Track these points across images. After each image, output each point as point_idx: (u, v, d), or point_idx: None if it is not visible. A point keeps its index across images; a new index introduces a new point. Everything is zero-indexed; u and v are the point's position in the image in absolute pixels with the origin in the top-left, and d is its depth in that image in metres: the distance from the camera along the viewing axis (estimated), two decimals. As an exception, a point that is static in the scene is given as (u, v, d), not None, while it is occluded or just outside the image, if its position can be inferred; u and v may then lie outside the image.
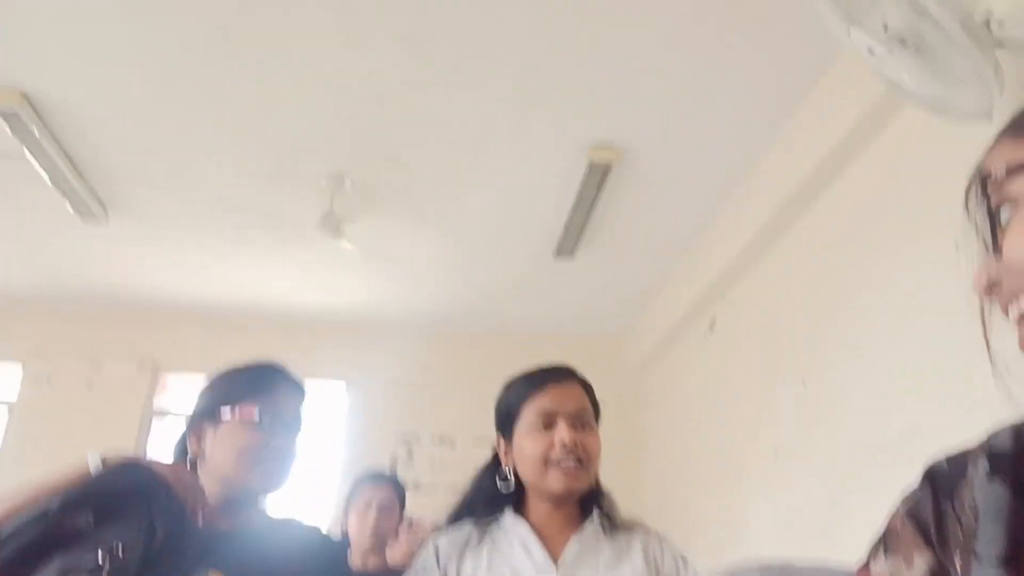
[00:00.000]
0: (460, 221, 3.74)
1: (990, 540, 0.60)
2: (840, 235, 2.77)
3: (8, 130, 2.96)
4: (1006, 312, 0.65)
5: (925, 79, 1.75)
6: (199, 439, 1.40)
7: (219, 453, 1.37)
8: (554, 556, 1.41)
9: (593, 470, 1.49)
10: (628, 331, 4.90)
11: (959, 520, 0.65)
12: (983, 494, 0.63)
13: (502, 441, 1.54)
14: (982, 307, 0.69)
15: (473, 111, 2.93)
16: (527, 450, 1.45)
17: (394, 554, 2.63)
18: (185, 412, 1.48)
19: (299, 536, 1.40)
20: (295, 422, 1.43)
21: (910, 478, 0.74)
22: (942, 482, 0.69)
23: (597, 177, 3.20)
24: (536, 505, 1.48)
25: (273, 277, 4.34)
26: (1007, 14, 1.73)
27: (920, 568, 0.66)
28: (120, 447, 1.43)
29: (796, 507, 2.90)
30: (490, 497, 1.50)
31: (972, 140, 0.82)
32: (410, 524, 2.62)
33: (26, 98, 2.85)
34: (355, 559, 2.57)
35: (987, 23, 1.70)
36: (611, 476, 1.63)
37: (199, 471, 1.38)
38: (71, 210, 3.56)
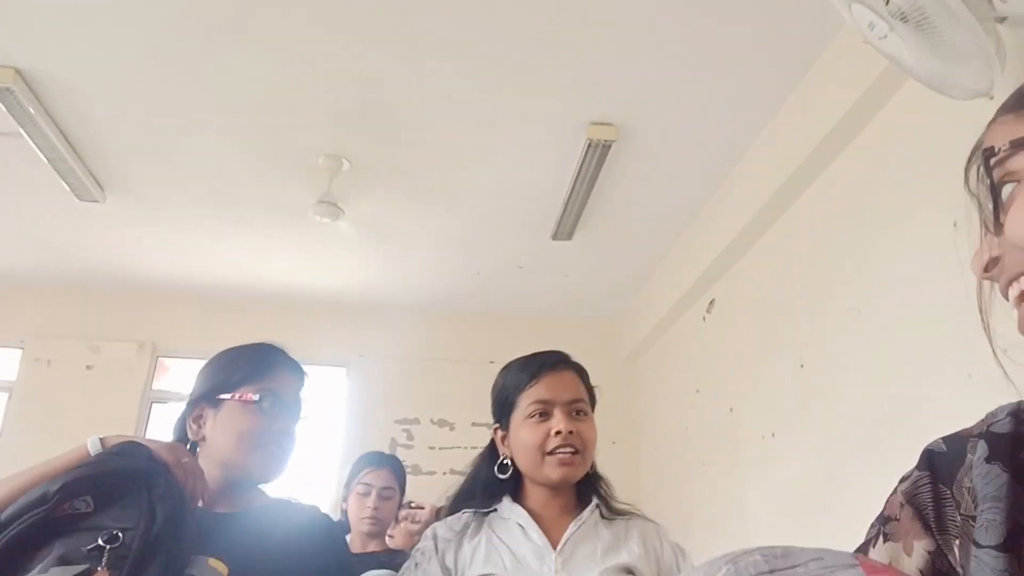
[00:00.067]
0: (458, 202, 3.72)
1: (989, 525, 0.60)
2: (838, 214, 2.76)
3: (2, 108, 2.94)
4: (1006, 292, 0.65)
5: (926, 55, 1.73)
6: (199, 422, 1.39)
7: (219, 436, 1.36)
8: (553, 540, 1.42)
9: (589, 458, 1.50)
10: (625, 312, 4.90)
11: (958, 504, 0.65)
12: (982, 478, 0.63)
13: (499, 430, 1.55)
14: (980, 288, 0.68)
15: (471, 89, 2.91)
16: (524, 440, 1.47)
17: (394, 537, 2.65)
18: (184, 395, 1.48)
19: (298, 517, 1.40)
20: (295, 405, 1.43)
21: (907, 457, 0.73)
22: (940, 465, 0.69)
23: (596, 155, 3.19)
24: (533, 492, 1.49)
25: (272, 258, 4.34)
26: (1009, -11, 1.71)
27: (919, 555, 0.66)
28: (119, 429, 1.42)
29: (793, 486, 2.91)
30: (489, 486, 1.51)
31: (970, 117, 0.81)
32: (410, 507, 2.63)
33: (20, 75, 2.83)
34: (355, 543, 2.58)
35: (989, -2, 1.69)
36: (608, 457, 1.64)
37: (199, 454, 1.38)
38: (68, 190, 3.54)
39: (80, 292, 4.71)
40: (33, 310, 4.67)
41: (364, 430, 4.58)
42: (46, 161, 3.28)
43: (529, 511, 1.47)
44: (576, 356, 1.61)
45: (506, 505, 1.48)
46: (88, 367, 4.58)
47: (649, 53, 2.70)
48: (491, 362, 1.64)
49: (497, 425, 1.55)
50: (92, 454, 1.26)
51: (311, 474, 4.50)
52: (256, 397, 1.36)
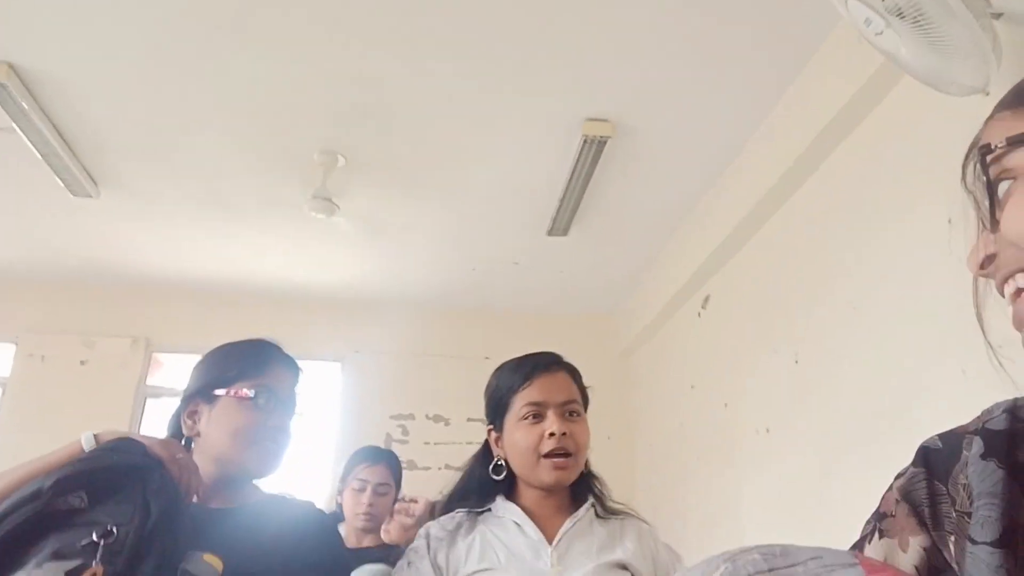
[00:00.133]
0: (454, 197, 3.72)
1: (984, 522, 0.60)
2: (834, 209, 2.77)
3: (-4, 104, 2.92)
4: (1001, 289, 0.65)
5: (922, 51, 1.73)
6: (194, 418, 1.39)
7: (214, 432, 1.36)
8: (548, 537, 1.43)
9: (582, 459, 1.51)
10: (621, 308, 4.91)
11: (953, 501, 0.65)
12: (977, 474, 0.63)
13: (493, 431, 1.56)
14: (976, 285, 0.68)
15: (468, 86, 2.90)
16: (518, 442, 1.47)
17: (389, 532, 2.65)
18: (178, 390, 1.47)
19: (292, 513, 1.39)
20: (290, 401, 1.43)
21: (903, 452, 0.73)
22: (936, 462, 0.69)
23: (591, 151, 3.19)
24: (527, 493, 1.50)
25: (266, 253, 4.32)
26: (1005, -14, 1.72)
27: (914, 551, 0.66)
28: (113, 425, 1.42)
29: (789, 481, 2.92)
30: (483, 486, 1.52)
31: (967, 113, 0.81)
32: (406, 504, 2.63)
33: (13, 70, 2.81)
34: (349, 538, 2.59)
35: (985, -5, 1.69)
36: (603, 453, 1.65)
37: (194, 450, 1.38)
38: (61, 185, 3.53)
39: (74, 288, 4.70)
40: (27, 305, 4.66)
41: (359, 425, 4.58)
42: (40, 157, 3.27)
43: (523, 509, 1.47)
44: (571, 352, 1.61)
45: (500, 504, 1.49)
46: (82, 363, 4.57)
47: (645, 50, 2.69)
48: (486, 358, 1.65)
49: (491, 427, 1.56)
50: (86, 450, 1.26)
51: (306, 470, 4.50)
52: (251, 393, 1.36)
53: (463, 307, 4.90)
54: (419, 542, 1.45)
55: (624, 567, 1.39)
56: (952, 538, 0.63)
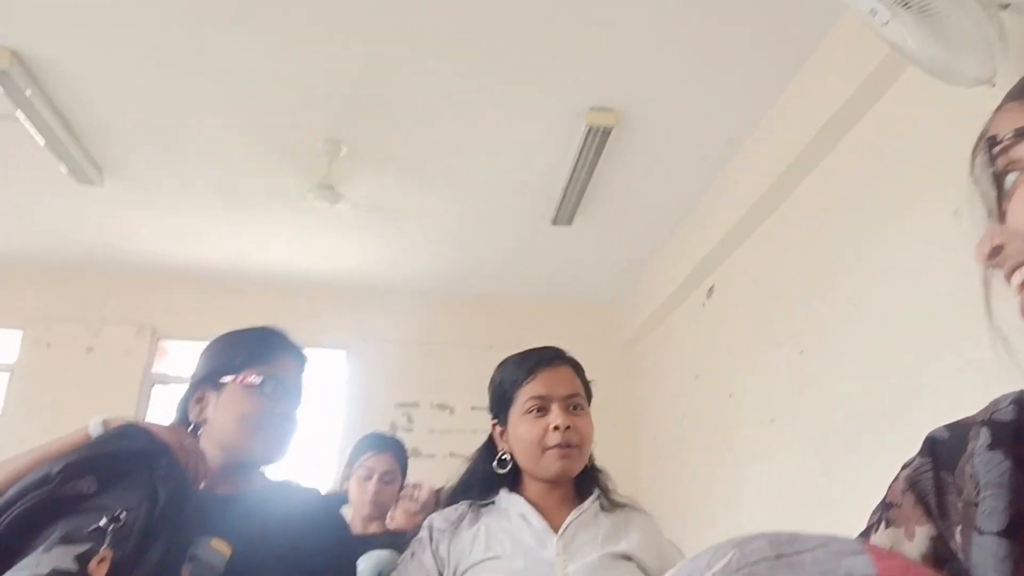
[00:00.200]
0: (458, 186, 3.72)
1: (991, 512, 0.60)
2: (837, 202, 2.76)
3: (0, 89, 2.92)
4: (1009, 280, 0.65)
5: (928, 42, 1.73)
6: (201, 404, 1.39)
7: (221, 419, 1.36)
8: (553, 527, 1.43)
9: (587, 452, 1.52)
10: (625, 298, 4.91)
11: (959, 491, 0.65)
12: (984, 465, 0.63)
13: (497, 425, 1.56)
14: (984, 274, 0.68)
15: (471, 74, 2.90)
16: (522, 435, 1.48)
17: (395, 519, 2.66)
18: (184, 377, 1.48)
19: (298, 499, 1.40)
20: (296, 389, 1.43)
21: (905, 446, 0.73)
22: (943, 452, 0.69)
23: (596, 140, 3.18)
24: (532, 485, 1.51)
25: (270, 241, 4.33)
26: (1013, -24, 1.71)
27: (921, 540, 0.66)
28: (119, 412, 1.43)
29: (791, 474, 2.93)
30: (487, 479, 1.53)
31: (969, 106, 0.81)
32: (410, 489, 2.64)
33: (17, 57, 2.81)
34: (355, 525, 2.60)
35: (993, -15, 1.68)
36: (606, 445, 1.65)
37: (200, 436, 1.39)
38: (66, 172, 3.53)
39: (79, 275, 4.71)
40: (33, 293, 4.67)
41: (364, 413, 4.59)
42: (44, 144, 3.27)
43: (528, 501, 1.48)
44: (575, 341, 1.62)
45: (504, 495, 1.50)
46: (88, 349, 4.59)
47: (649, 40, 2.69)
48: (491, 347, 1.65)
49: (495, 421, 1.57)
50: (94, 435, 1.27)
51: (311, 456, 4.52)
52: (258, 381, 1.37)
53: (467, 295, 4.91)
54: (422, 533, 1.46)
55: (629, 558, 1.40)
56: (958, 528, 0.63)
